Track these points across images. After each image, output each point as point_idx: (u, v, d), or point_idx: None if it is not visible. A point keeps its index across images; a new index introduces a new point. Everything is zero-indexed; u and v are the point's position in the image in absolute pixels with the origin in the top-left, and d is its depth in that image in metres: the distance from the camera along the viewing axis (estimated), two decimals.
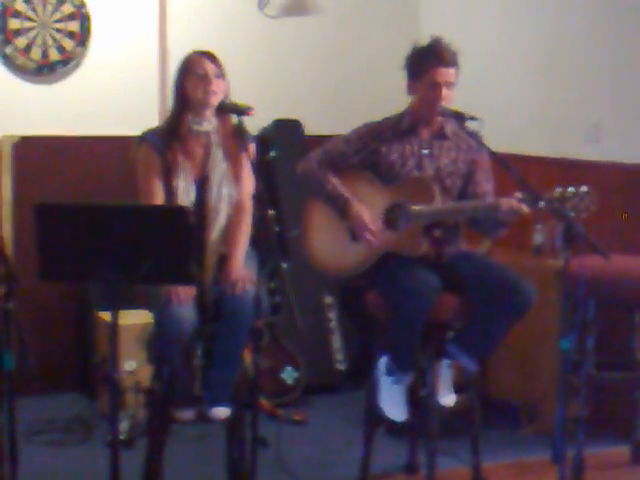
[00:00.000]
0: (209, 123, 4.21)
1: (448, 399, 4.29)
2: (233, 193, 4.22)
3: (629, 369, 4.69)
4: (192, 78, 4.16)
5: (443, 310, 4.16)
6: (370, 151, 4.30)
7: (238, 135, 4.12)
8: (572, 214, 3.85)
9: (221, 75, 4.17)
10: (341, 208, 4.27)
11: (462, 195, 4.34)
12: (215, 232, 4.20)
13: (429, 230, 4.21)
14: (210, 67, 4.16)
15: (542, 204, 3.96)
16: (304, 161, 4.39)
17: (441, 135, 4.32)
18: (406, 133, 4.31)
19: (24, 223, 4.99)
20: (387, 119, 4.37)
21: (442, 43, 4.23)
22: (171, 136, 4.19)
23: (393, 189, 4.27)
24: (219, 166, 4.20)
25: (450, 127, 4.32)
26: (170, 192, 4.15)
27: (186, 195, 4.15)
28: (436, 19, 6.20)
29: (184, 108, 4.20)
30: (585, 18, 5.38)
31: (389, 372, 4.25)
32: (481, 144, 4.18)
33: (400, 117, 4.34)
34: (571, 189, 3.90)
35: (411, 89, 4.30)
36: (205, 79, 4.13)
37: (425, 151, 4.29)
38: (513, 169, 3.99)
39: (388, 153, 4.29)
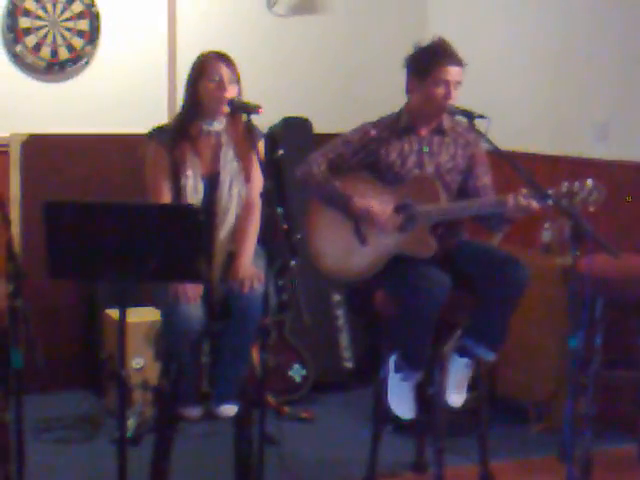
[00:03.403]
0: (219, 123, 4.20)
1: (458, 399, 4.28)
2: (243, 192, 4.22)
3: (637, 367, 4.69)
4: (206, 83, 4.11)
5: (454, 308, 4.15)
6: (369, 151, 4.28)
7: (248, 133, 4.12)
8: (580, 207, 3.84)
9: (235, 80, 4.13)
10: (344, 206, 4.24)
11: (461, 190, 4.33)
12: (224, 231, 4.19)
13: (433, 228, 4.21)
14: (225, 72, 4.10)
15: (550, 201, 3.95)
16: (303, 164, 4.34)
17: (439, 131, 4.31)
18: (404, 131, 4.28)
19: (33, 221, 5.00)
20: (384, 118, 4.34)
21: (448, 42, 4.23)
22: (180, 135, 4.17)
23: (397, 190, 4.24)
24: (229, 165, 4.19)
25: (447, 122, 4.31)
26: (178, 190, 4.14)
27: (195, 193, 4.14)
28: (444, 16, 6.21)
29: (195, 109, 4.17)
30: (592, 16, 5.37)
31: (398, 369, 4.24)
32: (479, 134, 4.14)
33: (397, 116, 4.32)
34: (577, 183, 3.90)
35: (414, 87, 4.26)
36: (220, 85, 4.09)
37: (425, 149, 4.29)
38: (520, 167, 3.97)
39: (387, 153, 4.26)
